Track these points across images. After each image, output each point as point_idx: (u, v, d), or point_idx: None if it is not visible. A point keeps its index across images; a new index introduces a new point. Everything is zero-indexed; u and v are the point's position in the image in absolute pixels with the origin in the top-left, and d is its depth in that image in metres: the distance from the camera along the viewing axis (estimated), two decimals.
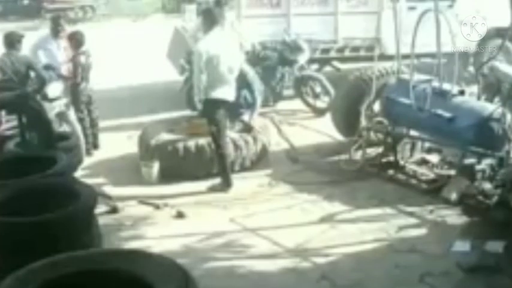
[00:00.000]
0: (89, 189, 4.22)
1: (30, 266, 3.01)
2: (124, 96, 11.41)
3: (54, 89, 8.06)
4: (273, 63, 10.17)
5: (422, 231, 5.94)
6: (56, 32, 8.62)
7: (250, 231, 6.03)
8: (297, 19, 10.89)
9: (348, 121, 8.16)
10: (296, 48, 10.22)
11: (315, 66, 11.38)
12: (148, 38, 16.64)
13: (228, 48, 7.10)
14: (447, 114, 6.70)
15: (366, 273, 5.18)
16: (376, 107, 7.96)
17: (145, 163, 7.42)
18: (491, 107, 6.61)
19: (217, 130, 6.97)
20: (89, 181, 5.76)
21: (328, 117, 8.79)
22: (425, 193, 6.72)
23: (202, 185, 7.12)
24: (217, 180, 7.11)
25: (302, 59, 10.22)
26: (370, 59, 8.90)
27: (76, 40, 8.36)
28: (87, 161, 7.95)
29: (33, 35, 9.53)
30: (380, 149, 7.65)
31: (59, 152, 5.25)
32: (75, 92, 8.30)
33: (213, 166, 7.26)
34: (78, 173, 6.71)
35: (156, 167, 7.33)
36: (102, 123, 8.89)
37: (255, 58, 10.02)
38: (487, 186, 6.28)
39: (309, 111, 10.10)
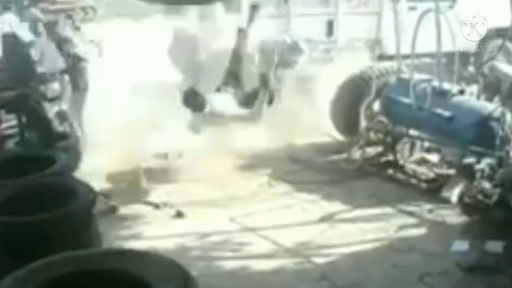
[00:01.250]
0: (88, 189, 4.22)
1: (29, 266, 3.01)
2: None
3: (54, 89, 8.05)
4: None
5: (421, 230, 5.94)
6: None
7: (249, 231, 6.03)
8: (297, 19, 10.88)
9: (347, 121, 8.16)
10: (296, 49, 10.19)
11: None
12: (148, 38, 16.58)
13: None
14: (447, 114, 6.70)
15: (365, 273, 5.18)
16: (376, 106, 7.95)
17: None
18: (491, 107, 6.62)
19: None
20: (88, 180, 5.74)
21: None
22: (425, 193, 6.72)
23: (202, 185, 7.11)
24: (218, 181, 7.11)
25: (302, 59, 10.20)
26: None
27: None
28: (85, 160, 7.93)
29: None
30: (379, 148, 7.65)
31: (58, 151, 5.25)
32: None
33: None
34: (77, 172, 6.69)
35: None
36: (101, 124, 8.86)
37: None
38: (487, 185, 6.26)
39: None
